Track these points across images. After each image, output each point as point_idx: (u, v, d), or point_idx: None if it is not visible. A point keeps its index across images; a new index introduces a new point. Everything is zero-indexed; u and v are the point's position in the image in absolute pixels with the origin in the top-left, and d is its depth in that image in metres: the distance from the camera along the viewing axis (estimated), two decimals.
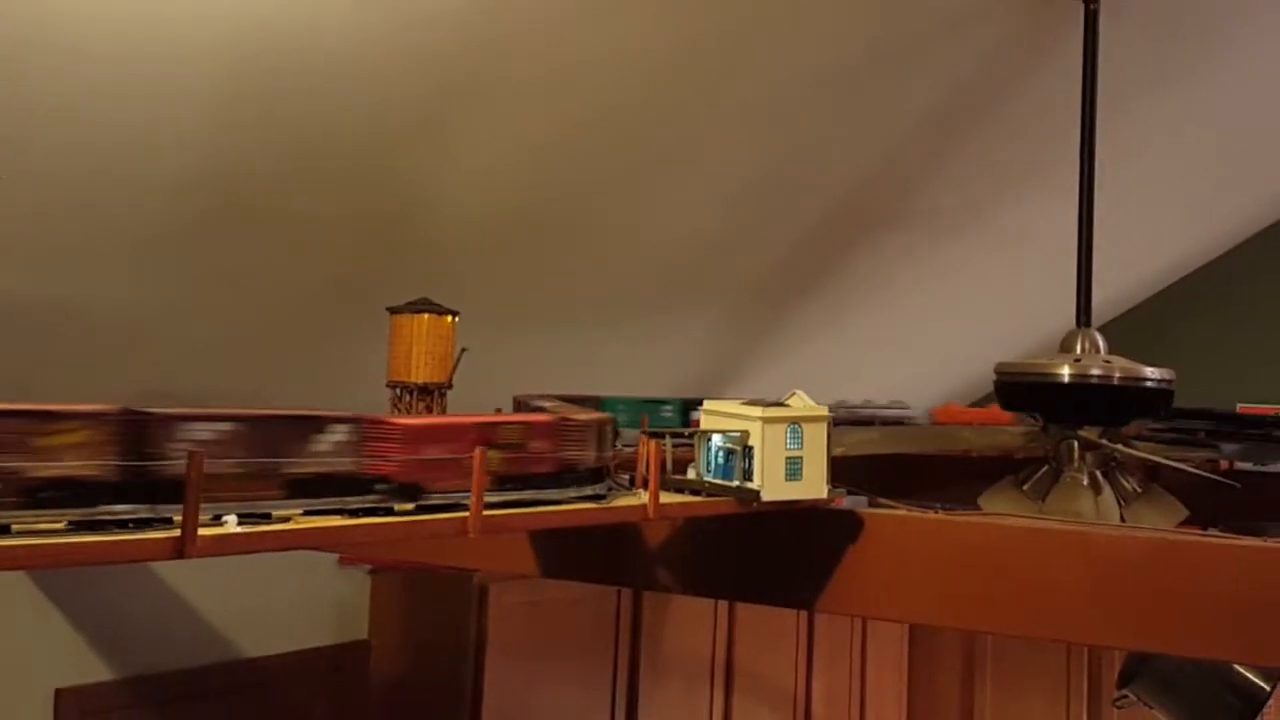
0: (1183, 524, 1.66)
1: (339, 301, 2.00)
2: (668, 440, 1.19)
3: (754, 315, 2.92)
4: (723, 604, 3.20)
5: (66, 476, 0.80)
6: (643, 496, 1.14)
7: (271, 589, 2.51)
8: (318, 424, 0.94)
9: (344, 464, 0.95)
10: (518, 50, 1.67)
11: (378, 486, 0.97)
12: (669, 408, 1.76)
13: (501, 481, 1.05)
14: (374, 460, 0.96)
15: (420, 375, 1.35)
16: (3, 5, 1.25)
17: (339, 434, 0.95)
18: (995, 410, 2.62)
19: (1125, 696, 2.07)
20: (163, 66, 1.41)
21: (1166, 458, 1.75)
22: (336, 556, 2.58)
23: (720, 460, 1.22)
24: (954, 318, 3.45)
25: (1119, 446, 1.69)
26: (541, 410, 1.25)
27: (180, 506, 0.83)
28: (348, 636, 2.71)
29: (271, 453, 0.89)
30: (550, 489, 1.07)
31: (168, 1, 1.34)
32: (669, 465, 1.20)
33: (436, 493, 1.00)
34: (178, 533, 0.82)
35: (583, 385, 2.01)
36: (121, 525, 0.83)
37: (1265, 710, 1.98)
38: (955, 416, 2.45)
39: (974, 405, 3.26)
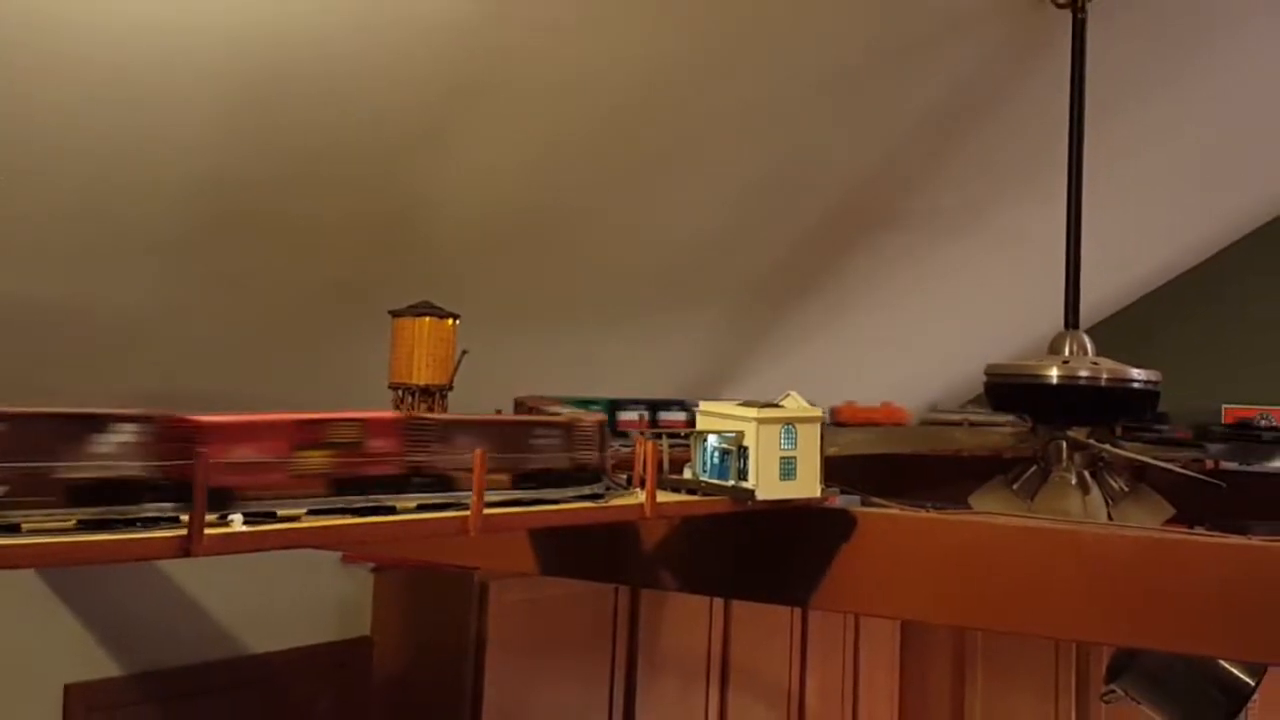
0: (1169, 522, 1.68)
1: (340, 304, 2.01)
2: (664, 440, 1.21)
3: (754, 315, 2.94)
4: (718, 601, 3.22)
5: None
6: (640, 496, 1.16)
7: (276, 587, 2.54)
8: (97, 423, 0.83)
9: (131, 468, 0.84)
10: (518, 55, 1.68)
11: (176, 493, 0.86)
12: (596, 407, 1.79)
13: (335, 486, 0.95)
14: (171, 463, 0.85)
15: (422, 377, 1.36)
16: (11, 13, 1.26)
17: (125, 434, 0.84)
18: (889, 408, 2.64)
19: (1113, 691, 2.09)
20: (165, 73, 1.42)
21: (1154, 457, 1.77)
22: (339, 555, 2.60)
23: (716, 460, 1.24)
24: (954, 318, 3.47)
25: (1107, 446, 1.71)
26: (548, 414, 1.25)
27: None
28: (351, 633, 2.73)
29: (40, 455, 0.79)
30: (391, 492, 0.98)
31: (170, 8, 1.35)
32: (666, 465, 1.22)
33: (251, 499, 0.89)
34: (184, 531, 0.82)
35: (583, 385, 2.03)
36: (129, 524, 0.83)
37: (1250, 705, 2.00)
38: (856, 415, 2.48)
39: (964, 405, 3.28)
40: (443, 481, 1.04)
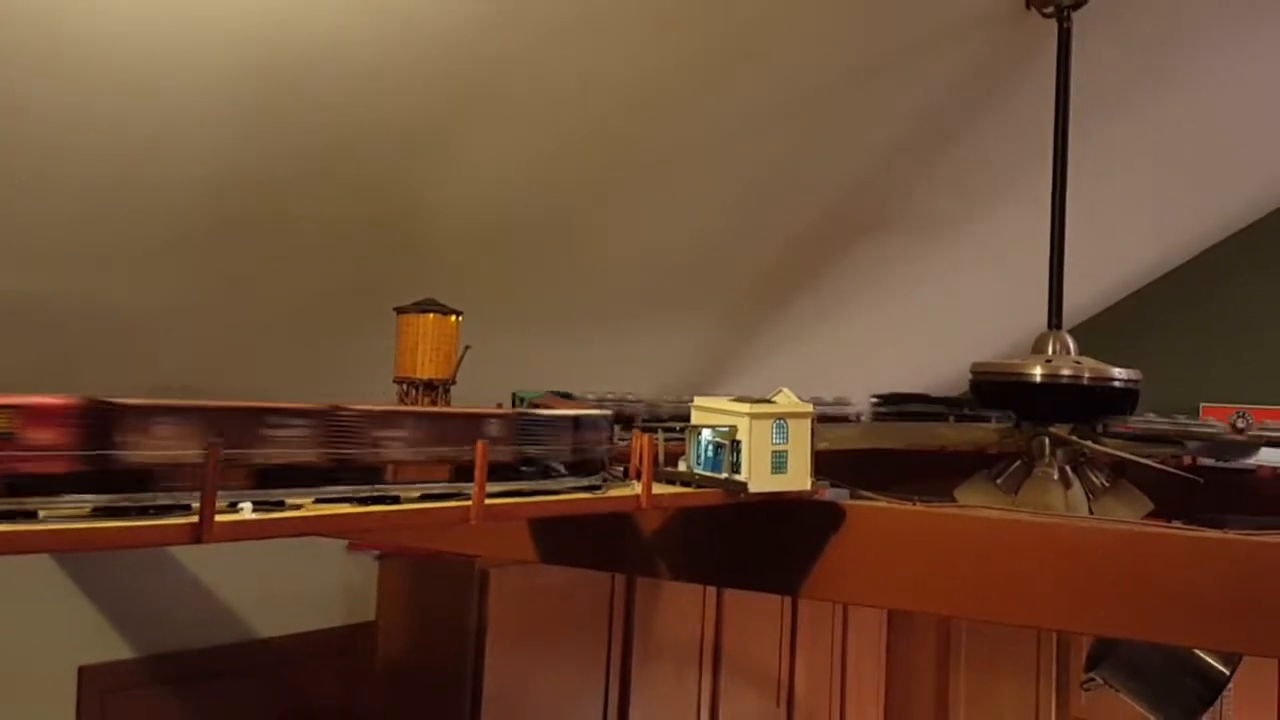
0: (1148, 517, 1.71)
1: (344, 303, 2.03)
2: (660, 434, 1.25)
3: (749, 314, 2.96)
4: (711, 590, 3.26)
5: None
6: (636, 487, 1.20)
7: (284, 573, 2.57)
8: None
9: None
10: (519, 63, 1.71)
11: None
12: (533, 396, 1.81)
13: None
14: None
15: (426, 372, 1.40)
16: (17, 13, 1.28)
17: None
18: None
19: (1092, 680, 2.13)
20: (171, 76, 1.44)
21: (1133, 454, 1.81)
22: (346, 543, 2.64)
23: (710, 454, 1.27)
24: (943, 317, 3.50)
25: (1088, 443, 1.75)
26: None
27: None
28: (356, 619, 2.78)
29: None
30: (57, 493, 0.80)
31: (181, 13, 1.37)
32: (661, 458, 1.25)
33: None
34: (195, 519, 0.84)
35: (582, 383, 2.06)
36: (143, 511, 0.85)
37: (1225, 693, 2.05)
38: None
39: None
40: (138, 479, 0.85)
